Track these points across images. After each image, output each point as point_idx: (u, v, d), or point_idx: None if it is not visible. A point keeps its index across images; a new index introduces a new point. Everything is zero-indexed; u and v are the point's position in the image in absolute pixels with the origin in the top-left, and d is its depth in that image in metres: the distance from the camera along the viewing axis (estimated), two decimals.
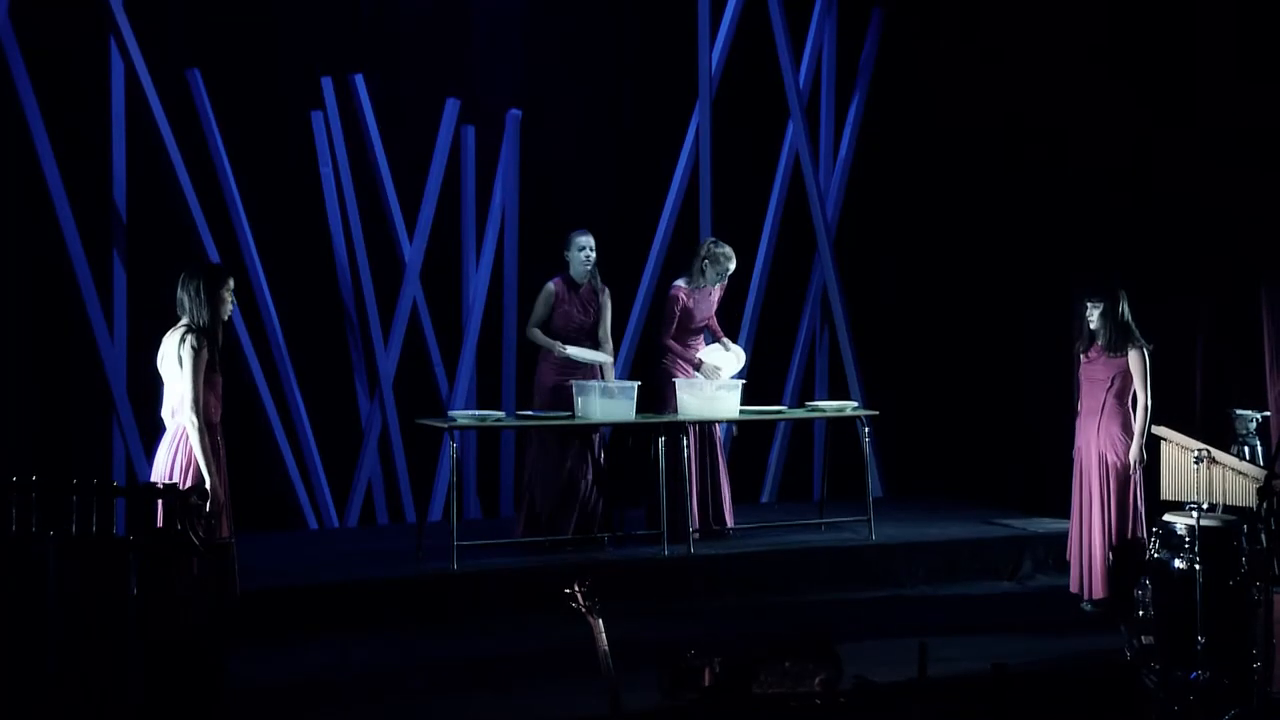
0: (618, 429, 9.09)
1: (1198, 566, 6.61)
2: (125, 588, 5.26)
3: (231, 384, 9.58)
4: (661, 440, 8.82)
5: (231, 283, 6.73)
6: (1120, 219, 10.08)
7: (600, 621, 5.89)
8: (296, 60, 9.95)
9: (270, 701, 6.70)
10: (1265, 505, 6.58)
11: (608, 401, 8.65)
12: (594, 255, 8.96)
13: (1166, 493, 7.22)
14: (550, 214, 10.55)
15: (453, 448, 8.60)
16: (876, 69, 11.43)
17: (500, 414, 9.00)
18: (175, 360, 6.52)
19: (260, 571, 8.02)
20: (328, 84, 9.99)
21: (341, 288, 10.10)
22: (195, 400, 6.50)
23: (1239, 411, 8.70)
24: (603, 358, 9.03)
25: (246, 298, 9.71)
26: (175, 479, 6.43)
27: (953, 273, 11.19)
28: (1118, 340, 8.18)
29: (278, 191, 9.93)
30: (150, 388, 9.43)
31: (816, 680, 6.27)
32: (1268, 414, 8.85)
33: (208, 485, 6.46)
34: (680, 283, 9.31)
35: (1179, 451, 7.17)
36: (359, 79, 10.04)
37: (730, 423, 9.56)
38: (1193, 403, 9.72)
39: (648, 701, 6.35)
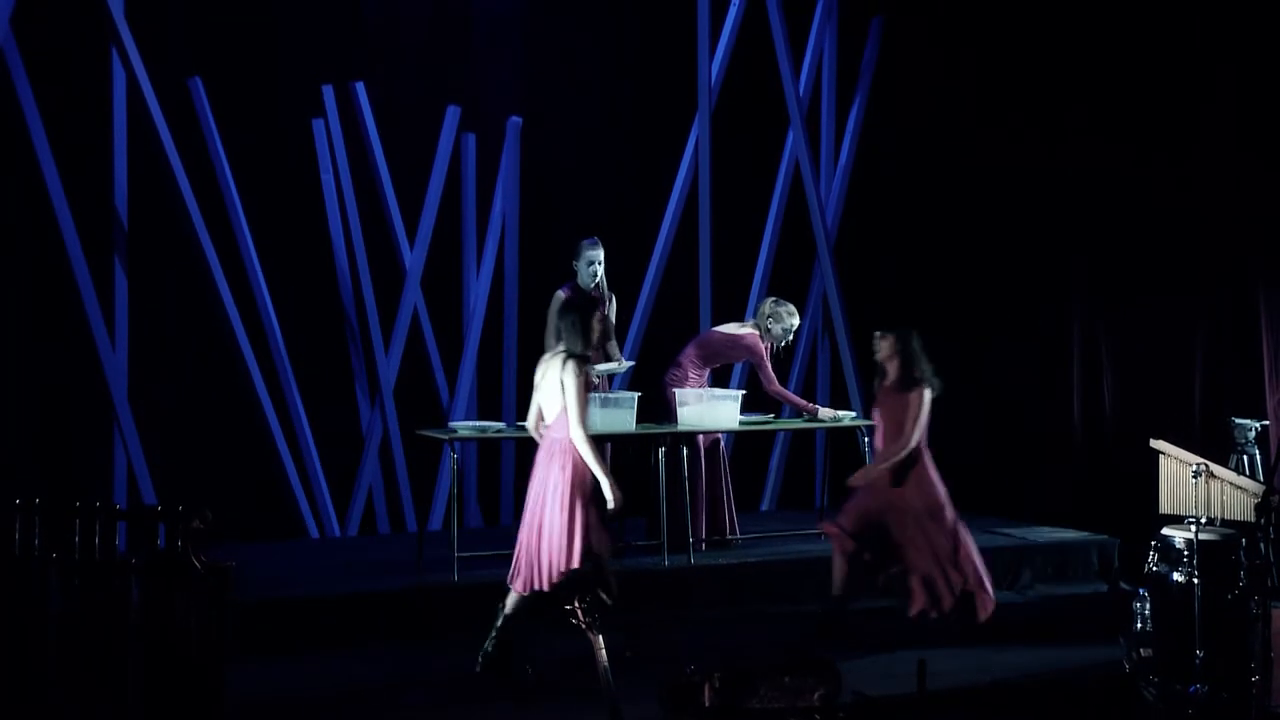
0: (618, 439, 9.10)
1: (1196, 580, 6.63)
2: (126, 609, 5.28)
3: (233, 391, 9.68)
4: (662, 450, 8.84)
5: (599, 313, 7.35)
6: (1120, 226, 10.10)
7: (600, 637, 5.93)
8: (297, 68, 9.96)
9: (269, 716, 6.73)
10: (1264, 519, 6.60)
11: (608, 412, 8.67)
12: (602, 268, 9.00)
13: (1165, 507, 7.23)
14: (551, 221, 10.58)
15: (453, 459, 8.62)
16: (876, 77, 11.44)
17: (500, 425, 9.00)
18: (558, 384, 7.11)
19: (261, 582, 8.05)
20: (329, 91, 10.00)
21: (342, 295, 10.11)
22: (581, 418, 7.06)
23: (1238, 420, 8.68)
24: (615, 368, 9.07)
25: (248, 304, 9.73)
26: (564, 487, 7.07)
27: (953, 280, 11.19)
28: (904, 379, 8.00)
29: (279, 199, 9.94)
30: (149, 394, 9.51)
31: (816, 695, 6.28)
32: (1266, 423, 8.85)
33: (607, 490, 7.12)
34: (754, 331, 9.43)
35: (1177, 465, 7.18)
36: (360, 86, 10.05)
37: (729, 432, 9.57)
38: (1191, 411, 9.73)
39: (648, 715, 6.37)
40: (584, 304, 7.44)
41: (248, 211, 9.73)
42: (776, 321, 9.36)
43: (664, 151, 10.88)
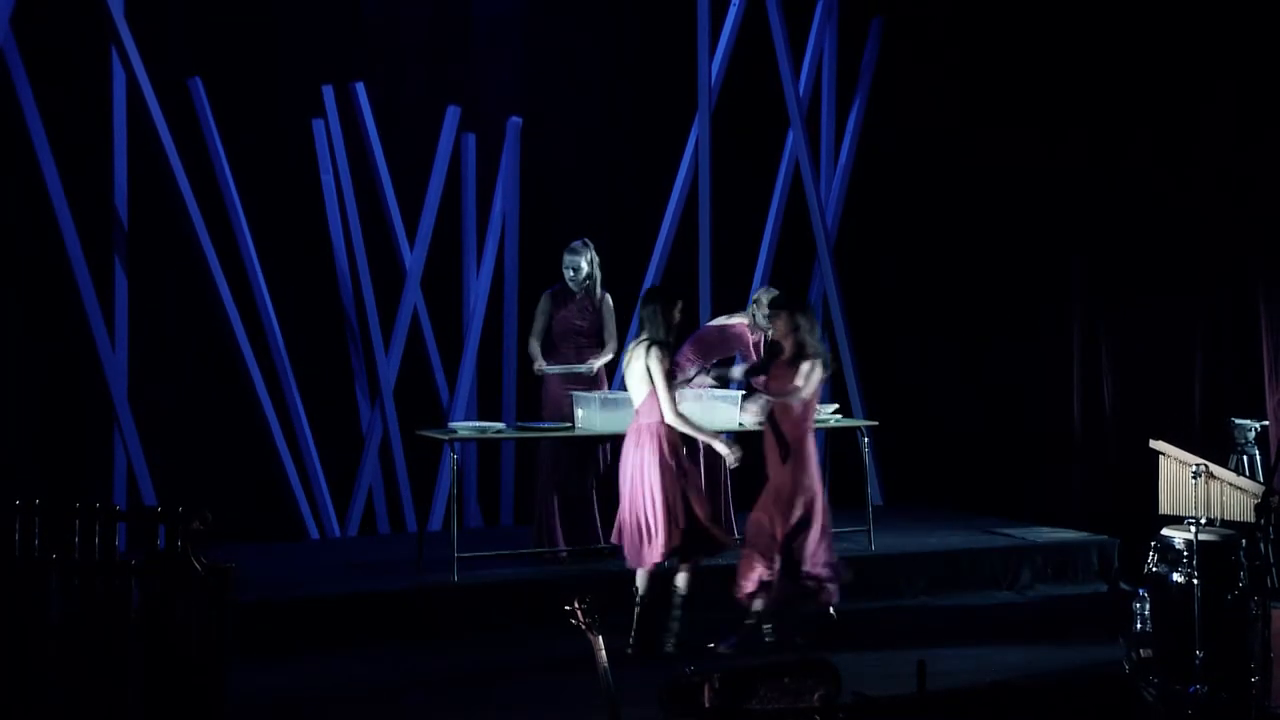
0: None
1: (1196, 581, 6.63)
2: (126, 610, 5.28)
3: (233, 391, 9.68)
4: None
5: (681, 304, 7.81)
6: (1120, 227, 10.10)
7: (600, 638, 5.92)
8: (297, 68, 9.97)
9: (269, 716, 6.73)
10: (1263, 520, 6.60)
11: (608, 412, 8.67)
12: (581, 273, 8.99)
13: (1165, 507, 7.23)
14: (551, 221, 10.57)
15: (453, 459, 8.62)
16: (876, 77, 11.43)
17: (500, 425, 8.99)
18: (644, 370, 7.63)
19: (261, 583, 8.05)
20: (328, 92, 10.00)
21: (342, 295, 10.11)
22: (671, 400, 7.63)
23: (1238, 421, 8.70)
24: (582, 367, 9.06)
25: (248, 305, 9.73)
26: (655, 469, 7.62)
27: (953, 280, 11.20)
28: (797, 355, 7.94)
29: (279, 199, 9.95)
30: (149, 394, 9.52)
31: (815, 696, 6.27)
32: (1266, 423, 8.86)
33: (723, 449, 7.80)
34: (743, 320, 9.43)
35: (1177, 466, 7.18)
36: (360, 87, 10.05)
37: (729, 433, 9.56)
38: (1191, 411, 9.73)
39: (648, 715, 6.36)
40: (665, 293, 7.79)
41: (248, 212, 9.73)
42: (759, 308, 9.33)
43: (664, 151, 10.87)
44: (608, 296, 9.16)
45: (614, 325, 9.21)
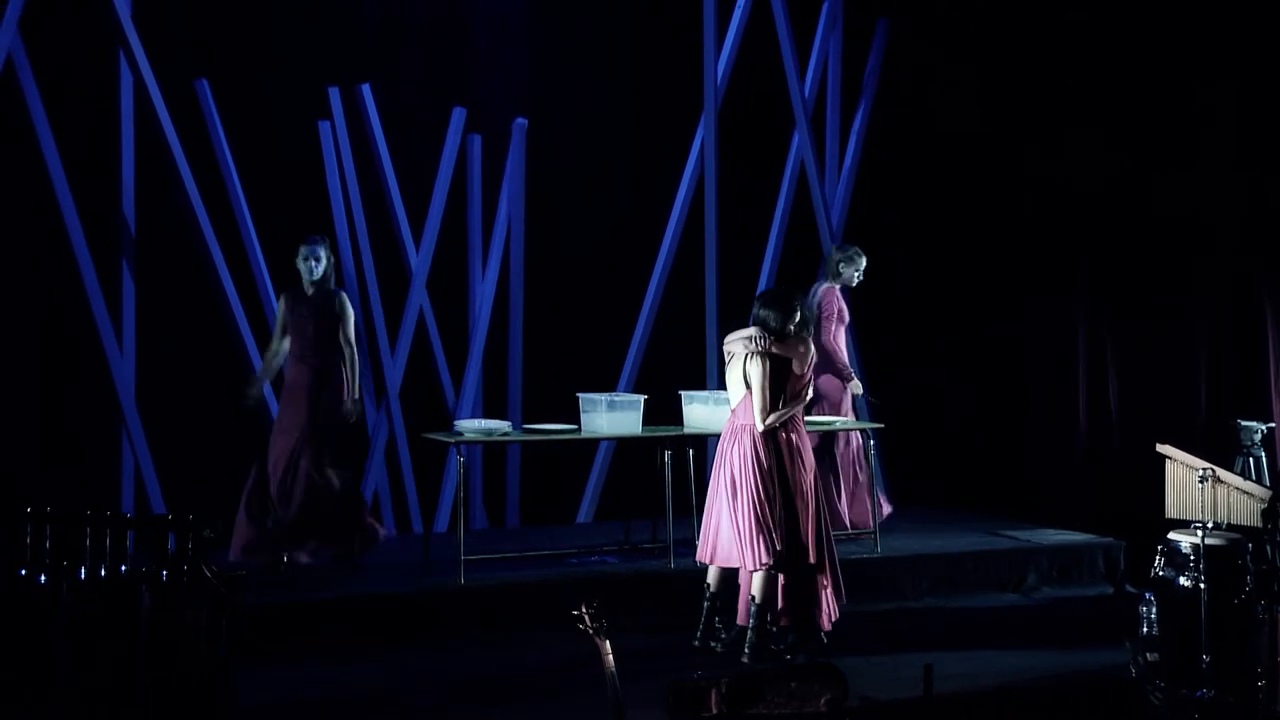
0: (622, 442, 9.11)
1: (1203, 585, 6.64)
2: (136, 618, 5.29)
3: (240, 394, 9.67)
4: (668, 453, 8.84)
5: (800, 310, 7.79)
6: (1126, 229, 10.10)
7: (607, 643, 5.93)
8: (303, 70, 9.97)
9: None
10: (1270, 524, 6.60)
11: (614, 415, 8.68)
12: (318, 266, 8.74)
13: (1172, 511, 7.23)
14: (556, 223, 10.58)
15: (459, 462, 8.62)
16: (881, 79, 11.44)
17: (506, 425, 8.97)
18: (743, 373, 7.71)
19: (266, 585, 8.05)
20: (334, 94, 10.01)
21: (349, 297, 10.11)
22: (767, 408, 7.62)
23: (1244, 422, 8.70)
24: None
25: (254, 305, 9.74)
26: (743, 472, 7.62)
27: (958, 283, 11.20)
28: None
29: (285, 201, 9.95)
30: (157, 400, 9.52)
31: (822, 701, 6.29)
32: (1273, 425, 8.86)
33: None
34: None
35: (1184, 470, 7.18)
36: (366, 89, 10.06)
37: None
38: (1197, 413, 9.74)
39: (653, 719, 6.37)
40: (787, 299, 7.78)
41: (254, 213, 9.74)
42: (847, 264, 9.64)
43: (669, 153, 10.87)
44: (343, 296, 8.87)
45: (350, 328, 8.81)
